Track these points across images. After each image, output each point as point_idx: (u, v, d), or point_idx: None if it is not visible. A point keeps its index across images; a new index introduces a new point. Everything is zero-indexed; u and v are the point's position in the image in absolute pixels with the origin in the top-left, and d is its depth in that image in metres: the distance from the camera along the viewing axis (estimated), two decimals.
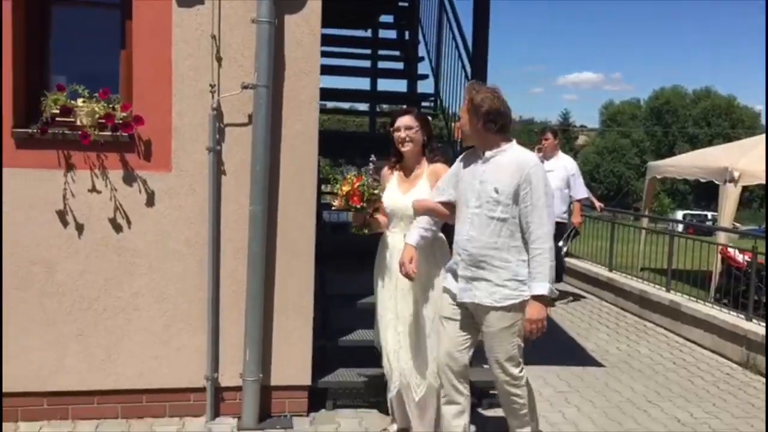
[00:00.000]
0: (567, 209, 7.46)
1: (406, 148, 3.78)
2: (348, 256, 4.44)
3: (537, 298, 3.32)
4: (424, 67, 7.81)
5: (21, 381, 4.01)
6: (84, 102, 3.98)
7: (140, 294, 4.10)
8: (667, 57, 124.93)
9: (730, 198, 8.71)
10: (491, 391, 4.68)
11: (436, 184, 3.66)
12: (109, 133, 3.97)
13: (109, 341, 4.08)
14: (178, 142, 4.09)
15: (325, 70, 6.00)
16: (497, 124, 3.35)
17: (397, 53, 8.29)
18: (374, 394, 4.43)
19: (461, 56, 6.46)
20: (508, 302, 3.35)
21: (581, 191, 7.53)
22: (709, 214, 38.02)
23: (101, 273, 4.06)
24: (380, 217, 3.83)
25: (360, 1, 7.67)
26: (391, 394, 3.89)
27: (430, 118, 3.84)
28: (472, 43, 6.17)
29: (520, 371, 3.48)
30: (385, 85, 9.04)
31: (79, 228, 4.01)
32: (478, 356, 4.89)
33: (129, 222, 4.06)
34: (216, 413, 4.21)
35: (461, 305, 3.50)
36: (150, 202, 4.09)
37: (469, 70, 6.16)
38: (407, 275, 3.51)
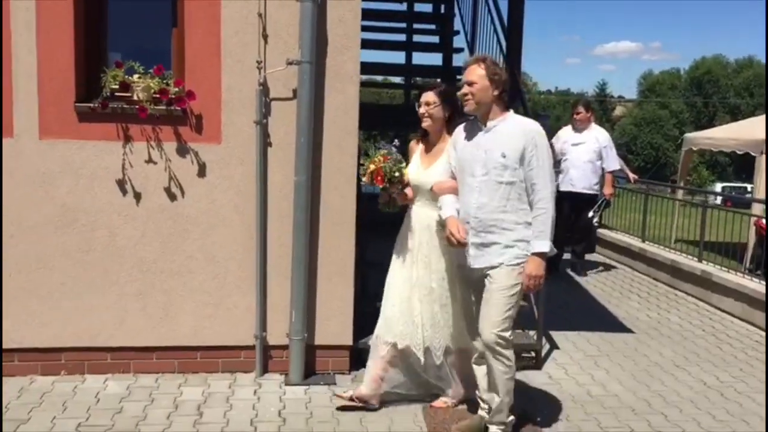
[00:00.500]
0: (598, 181, 7.56)
1: (425, 124, 3.88)
2: (384, 224, 4.65)
3: (537, 254, 3.45)
4: (459, 41, 7.93)
5: (86, 337, 4.35)
6: (139, 78, 4.25)
7: (194, 257, 4.40)
8: (709, 25, 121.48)
9: (765, 170, 8.69)
10: (523, 354, 4.94)
11: (444, 167, 3.78)
12: (163, 107, 4.23)
13: (166, 301, 4.39)
14: (227, 115, 4.34)
15: (362, 44, 6.18)
16: (507, 94, 3.54)
17: (432, 27, 8.39)
18: None
19: (496, 29, 6.57)
20: (517, 261, 3.48)
21: (613, 163, 7.61)
22: (749, 186, 37.33)
23: (158, 238, 4.36)
24: (407, 191, 3.94)
25: None
26: (381, 353, 4.00)
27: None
28: (507, 16, 6.28)
29: (510, 335, 3.53)
30: (420, 58, 9.15)
31: (137, 196, 4.30)
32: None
33: (182, 191, 4.34)
34: (264, 370, 4.51)
35: (473, 277, 3.62)
36: (201, 172, 4.36)
37: (504, 43, 6.28)
38: (459, 243, 3.54)
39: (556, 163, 7.16)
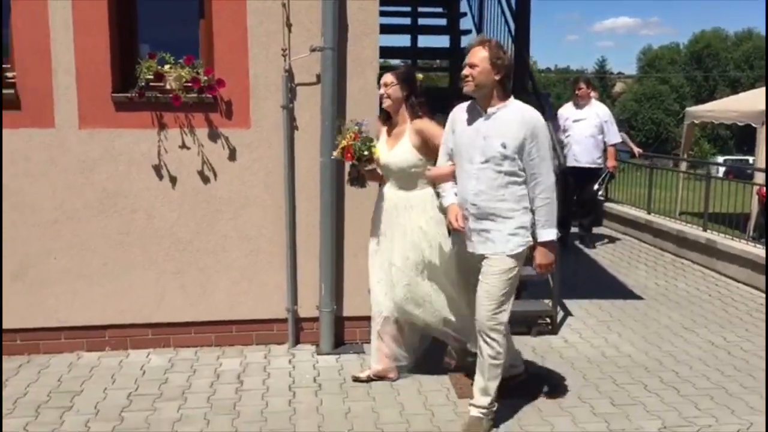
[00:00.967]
0: (601, 155, 7.80)
1: (384, 104, 3.93)
2: None
3: (545, 243, 3.48)
4: (467, 23, 8.12)
5: (129, 314, 4.62)
6: (171, 68, 4.48)
7: (227, 237, 4.65)
8: None
9: (766, 141, 8.90)
10: (539, 320, 5.21)
11: (441, 150, 3.72)
12: (195, 95, 4.46)
13: (202, 278, 4.65)
14: (255, 101, 4.57)
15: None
16: (509, 80, 3.47)
17: (439, 9, 8.57)
18: None
19: (504, 11, 6.77)
20: (520, 249, 3.48)
21: (614, 137, 7.85)
22: (751, 159, 37.46)
23: (193, 219, 4.61)
24: (378, 170, 4.02)
25: None
26: (378, 328, 4.11)
27: (420, 75, 3.99)
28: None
29: (505, 319, 3.53)
30: (426, 41, 9.29)
31: (173, 180, 4.55)
32: (530, 289, 5.39)
33: (215, 173, 4.58)
34: (296, 341, 4.78)
35: (471, 262, 3.60)
36: (232, 156, 4.59)
37: (512, 24, 6.48)
38: (457, 230, 3.57)
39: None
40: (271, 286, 4.71)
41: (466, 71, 3.43)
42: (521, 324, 5.15)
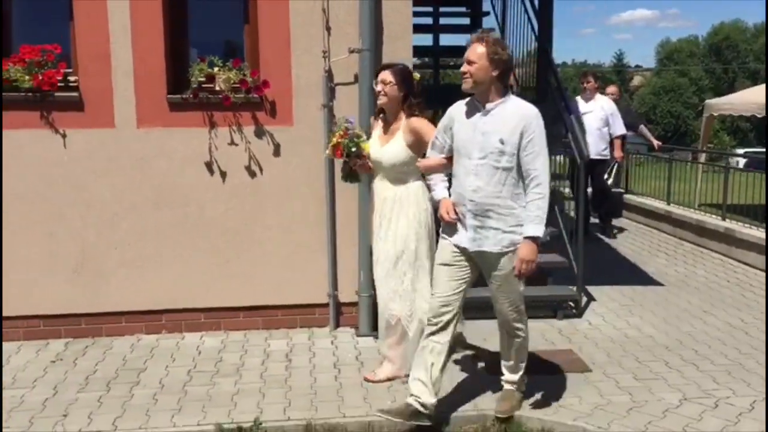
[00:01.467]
0: (607, 146, 8.08)
1: (380, 101, 3.98)
2: None
3: (531, 239, 3.44)
4: (489, 22, 8.40)
5: (183, 300, 4.98)
6: (220, 70, 4.82)
7: (272, 227, 4.99)
8: None
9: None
10: (565, 305, 5.50)
11: (432, 140, 3.71)
12: (242, 96, 4.80)
13: (249, 266, 5.00)
14: (297, 100, 4.90)
15: None
16: (506, 76, 3.47)
17: (462, 9, 8.84)
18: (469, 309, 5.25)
19: (527, 8, 7.04)
20: (515, 247, 3.48)
21: (619, 128, 8.12)
22: None
23: (241, 211, 4.95)
24: (372, 165, 4.08)
25: None
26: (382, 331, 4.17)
27: (417, 74, 4.06)
28: None
29: (522, 307, 3.70)
30: (448, 40, 9.53)
31: (222, 175, 4.90)
32: (556, 276, 5.68)
33: (261, 168, 4.92)
34: (337, 324, 5.12)
35: (463, 251, 3.58)
36: (276, 152, 4.93)
37: (535, 22, 6.75)
38: (449, 222, 3.58)
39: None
40: (313, 273, 5.04)
41: (464, 68, 3.42)
42: (547, 308, 5.45)
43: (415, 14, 9.09)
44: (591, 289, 6.10)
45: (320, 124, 4.90)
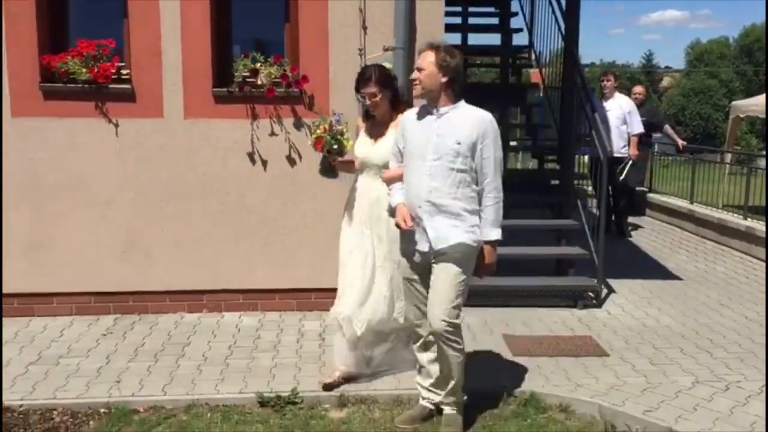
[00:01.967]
0: (625, 144, 8.25)
1: (376, 113, 3.95)
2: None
3: (490, 243, 3.51)
4: (516, 23, 8.62)
5: (223, 281, 5.31)
6: (261, 66, 5.13)
7: (307, 215, 5.29)
8: None
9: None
10: (585, 295, 5.73)
11: (393, 152, 3.72)
12: (283, 90, 5.11)
13: (286, 251, 5.31)
14: (334, 94, 5.18)
15: None
16: (457, 83, 3.48)
17: (491, 9, 9.06)
18: (493, 297, 5.51)
19: (554, 9, 7.24)
20: (474, 244, 3.49)
21: (637, 127, 8.28)
22: None
23: (279, 199, 5.26)
24: (356, 163, 4.05)
25: None
26: (356, 332, 4.01)
27: (388, 65, 4.08)
28: None
29: (459, 320, 3.54)
30: (476, 39, 9.77)
31: (263, 164, 5.21)
32: (577, 267, 5.90)
33: (300, 158, 5.22)
34: None
35: (420, 263, 3.57)
36: None
37: (562, 23, 6.95)
38: (407, 230, 3.53)
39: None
40: None
41: (414, 75, 3.50)
42: (568, 298, 5.69)
43: (445, 14, 9.44)
44: (611, 281, 6.30)
45: (355, 117, 5.17)
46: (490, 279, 5.34)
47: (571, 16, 6.80)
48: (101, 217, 5.16)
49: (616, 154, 8.17)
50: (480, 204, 3.51)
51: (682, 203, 9.44)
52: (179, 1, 4.98)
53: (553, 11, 7.24)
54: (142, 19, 4.99)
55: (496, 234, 3.51)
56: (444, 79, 3.42)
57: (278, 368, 4.34)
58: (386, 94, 3.90)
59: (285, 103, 5.15)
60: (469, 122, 3.45)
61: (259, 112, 5.16)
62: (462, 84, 3.52)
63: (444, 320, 3.44)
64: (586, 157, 7.91)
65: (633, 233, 8.76)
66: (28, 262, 5.13)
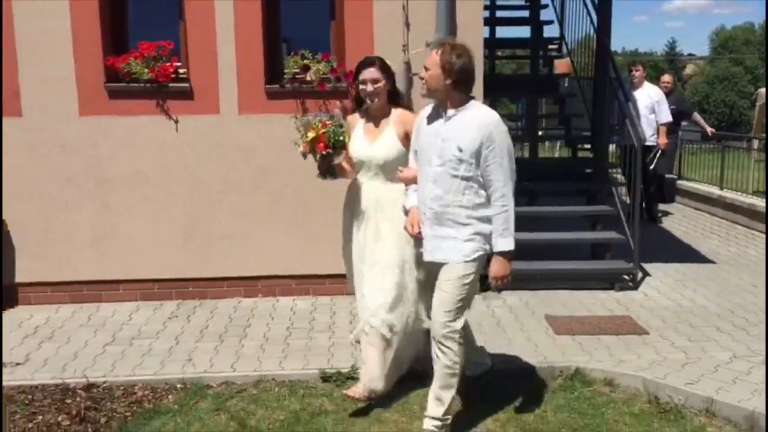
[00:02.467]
0: (654, 133, 8.40)
1: (374, 103, 3.73)
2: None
3: (502, 254, 3.35)
4: (546, 15, 8.82)
5: (277, 268, 5.60)
6: (310, 62, 5.40)
7: None
8: None
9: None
10: (621, 277, 5.94)
11: (411, 147, 3.63)
12: (331, 85, 5.38)
13: (336, 240, 5.51)
14: None
15: None
16: (465, 83, 3.33)
17: (521, 2, 9.26)
18: (533, 281, 5.75)
19: (585, 2, 7.43)
20: (476, 254, 3.35)
21: (665, 116, 8.43)
22: None
23: (329, 190, 5.48)
24: (345, 164, 3.83)
25: None
26: (385, 335, 3.76)
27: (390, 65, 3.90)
28: None
29: (461, 327, 3.39)
30: (505, 32, 9.97)
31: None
32: (613, 252, 6.10)
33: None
34: None
35: (429, 265, 3.50)
36: None
37: (594, 15, 7.13)
38: (414, 236, 3.51)
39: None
40: None
41: (421, 73, 3.42)
42: (605, 281, 5.91)
43: None
44: (646, 266, 6.50)
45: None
46: (528, 263, 5.69)
47: (603, 6, 6.97)
48: (162, 209, 5.48)
49: (645, 143, 8.35)
50: (490, 211, 3.35)
51: (712, 189, 9.57)
52: (233, 2, 5.27)
53: (584, 3, 7.42)
54: (198, 20, 5.29)
55: (504, 244, 3.34)
56: (448, 81, 3.29)
57: (336, 347, 4.63)
58: (387, 84, 3.74)
59: (333, 97, 5.42)
60: (473, 127, 3.29)
61: (309, 107, 5.43)
62: (472, 83, 3.35)
63: (442, 323, 3.35)
64: (613, 146, 8.08)
65: (664, 219, 8.95)
66: (95, 252, 5.47)
